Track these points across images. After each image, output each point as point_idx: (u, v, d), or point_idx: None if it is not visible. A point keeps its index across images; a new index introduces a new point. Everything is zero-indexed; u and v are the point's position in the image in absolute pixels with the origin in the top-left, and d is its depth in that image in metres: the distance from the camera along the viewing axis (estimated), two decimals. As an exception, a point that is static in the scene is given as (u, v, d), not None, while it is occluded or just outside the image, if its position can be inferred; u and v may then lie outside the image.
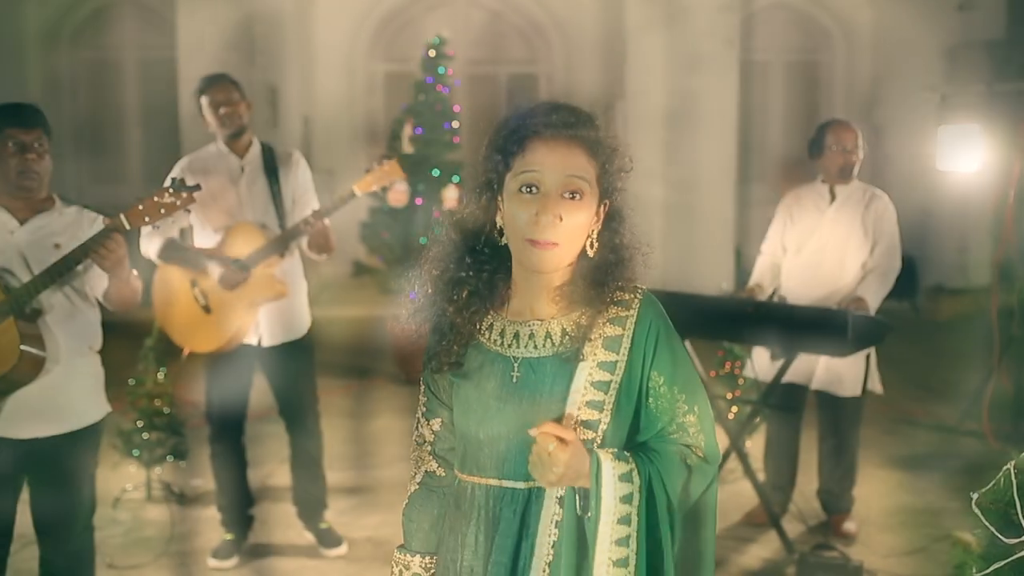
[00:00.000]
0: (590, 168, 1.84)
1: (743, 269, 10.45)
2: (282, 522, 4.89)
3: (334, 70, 11.35)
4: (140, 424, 5.12)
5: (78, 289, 3.30)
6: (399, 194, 7.29)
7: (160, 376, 5.18)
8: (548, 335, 1.89)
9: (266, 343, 4.40)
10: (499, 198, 1.89)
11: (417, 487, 2.04)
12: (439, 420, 2.00)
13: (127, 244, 3.17)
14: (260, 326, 4.37)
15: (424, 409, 2.03)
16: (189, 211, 3.20)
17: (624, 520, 1.80)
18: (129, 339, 5.31)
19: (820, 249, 4.67)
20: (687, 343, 4.62)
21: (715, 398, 4.81)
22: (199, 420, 6.04)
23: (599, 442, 1.84)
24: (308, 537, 4.69)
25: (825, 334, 4.24)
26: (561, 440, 1.76)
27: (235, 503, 4.59)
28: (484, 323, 1.94)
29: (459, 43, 11.05)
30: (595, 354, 1.86)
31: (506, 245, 1.89)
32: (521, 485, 1.87)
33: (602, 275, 1.88)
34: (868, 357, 4.62)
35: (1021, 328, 6.11)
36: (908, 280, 10.70)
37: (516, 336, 1.90)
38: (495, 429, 1.88)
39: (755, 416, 4.64)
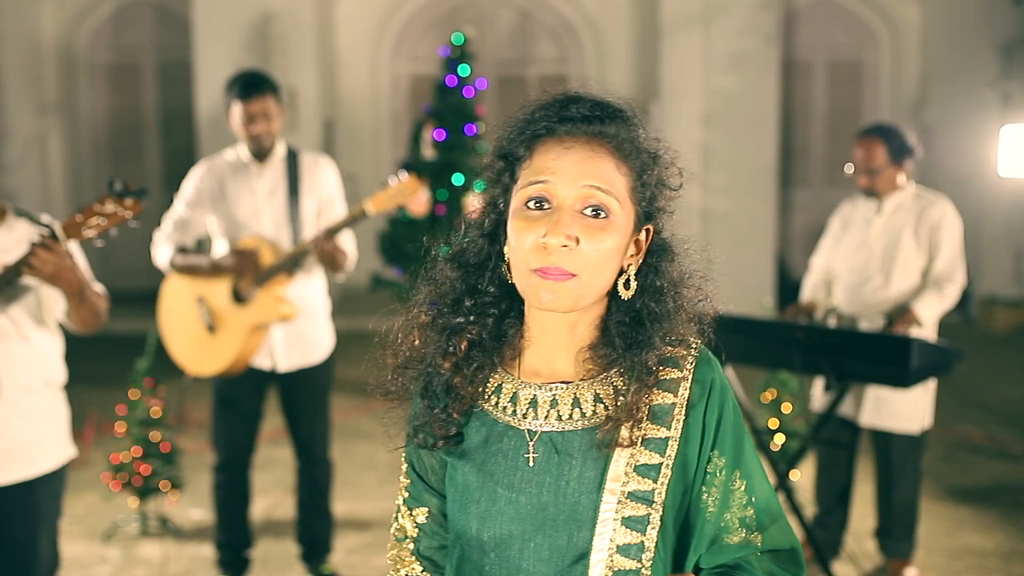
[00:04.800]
0: (620, 177, 1.39)
1: (787, 280, 10.00)
2: (282, 563, 4.49)
3: (357, 71, 10.97)
4: (134, 454, 4.73)
5: (31, 313, 2.84)
6: (419, 203, 6.86)
7: (155, 401, 4.79)
8: (576, 402, 1.42)
9: (282, 368, 4.05)
10: (507, 221, 1.44)
11: None
12: (425, 511, 1.54)
13: (70, 254, 2.71)
14: (275, 350, 4.03)
15: (406, 495, 1.57)
16: (136, 222, 2.78)
17: None
18: (124, 355, 4.95)
19: (865, 265, 4.22)
20: (728, 369, 4.21)
21: (760, 432, 4.35)
22: (201, 444, 5.68)
23: (650, 549, 1.38)
24: (310, 581, 4.29)
25: (884, 362, 3.76)
26: None
27: (234, 542, 4.20)
28: (490, 385, 1.47)
29: (487, 43, 10.68)
30: (639, 429, 1.39)
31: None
32: None
33: (643, 331, 1.41)
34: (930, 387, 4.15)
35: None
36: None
37: (533, 403, 1.44)
38: (504, 528, 1.41)
39: (804, 451, 4.17)
